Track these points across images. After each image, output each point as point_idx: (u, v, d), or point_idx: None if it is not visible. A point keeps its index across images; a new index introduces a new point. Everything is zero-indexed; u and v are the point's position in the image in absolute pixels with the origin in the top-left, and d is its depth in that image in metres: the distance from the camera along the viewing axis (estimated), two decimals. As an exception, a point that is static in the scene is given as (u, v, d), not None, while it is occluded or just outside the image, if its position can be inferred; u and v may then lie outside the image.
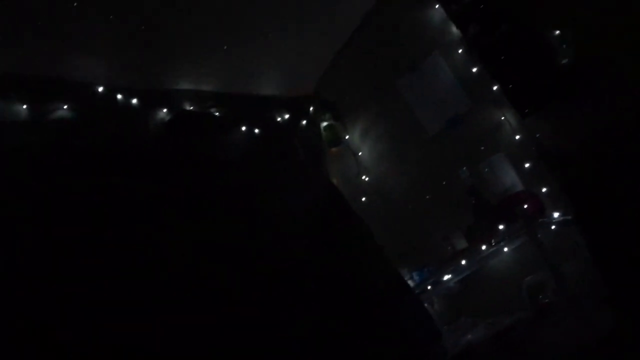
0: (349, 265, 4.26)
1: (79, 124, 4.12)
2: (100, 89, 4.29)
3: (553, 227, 4.24)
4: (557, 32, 4.00)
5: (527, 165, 4.42)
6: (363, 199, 5.42)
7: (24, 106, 4.01)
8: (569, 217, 4.11)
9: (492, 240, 4.35)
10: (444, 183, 4.90)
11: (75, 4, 3.62)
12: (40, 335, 2.84)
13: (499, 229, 4.34)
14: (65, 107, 4.14)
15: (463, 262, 4.41)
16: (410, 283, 4.65)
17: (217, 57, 4.62)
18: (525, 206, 4.19)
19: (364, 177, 5.51)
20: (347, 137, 5.65)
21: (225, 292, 3.54)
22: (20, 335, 2.82)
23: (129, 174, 4.00)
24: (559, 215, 4.21)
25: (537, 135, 4.23)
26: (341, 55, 5.37)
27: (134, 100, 4.45)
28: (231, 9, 4.19)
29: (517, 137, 4.44)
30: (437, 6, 4.75)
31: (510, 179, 4.46)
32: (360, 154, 5.59)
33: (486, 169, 4.50)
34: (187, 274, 3.50)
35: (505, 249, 4.44)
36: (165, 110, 4.64)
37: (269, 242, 4.11)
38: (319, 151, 5.59)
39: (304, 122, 5.53)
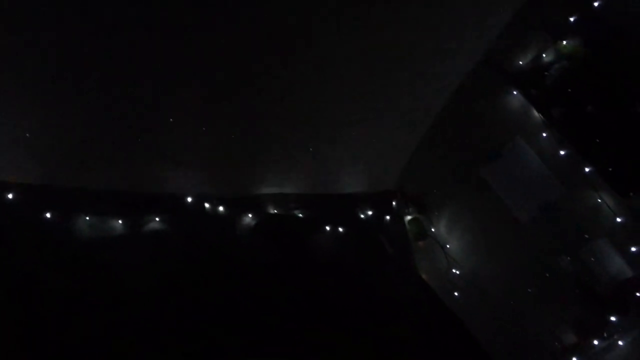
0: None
1: (170, 234, 4.26)
2: (189, 199, 4.43)
3: (674, 315, 3.87)
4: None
5: (633, 248, 4.11)
6: (456, 294, 5.16)
7: (119, 221, 4.20)
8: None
9: (605, 334, 4.01)
10: (544, 273, 4.60)
11: (170, 120, 3.85)
12: None
13: (610, 320, 4.01)
14: (157, 219, 4.31)
15: (574, 359, 4.07)
16: (518, 385, 4.31)
17: (299, 159, 4.71)
18: (639, 294, 3.87)
19: (455, 271, 5.28)
20: (432, 229, 5.51)
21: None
22: None
23: (218, 280, 4.05)
24: (680, 303, 3.85)
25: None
26: (421, 148, 5.33)
27: (221, 208, 4.56)
28: (311, 111, 4.31)
29: (619, 219, 4.16)
30: (515, 92, 4.70)
31: (616, 264, 4.16)
32: (448, 246, 5.40)
33: (591, 258, 4.21)
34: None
35: (621, 343, 4.08)
36: (250, 215, 4.71)
37: (363, 340, 3.97)
38: (406, 246, 5.45)
39: (388, 217, 5.45)
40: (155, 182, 4.27)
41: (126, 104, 3.70)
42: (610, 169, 4.00)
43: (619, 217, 4.17)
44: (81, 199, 4.11)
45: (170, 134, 4.04)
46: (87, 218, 4.10)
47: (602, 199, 4.24)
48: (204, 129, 4.08)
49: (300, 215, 4.93)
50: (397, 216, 5.53)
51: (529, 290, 4.71)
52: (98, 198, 4.16)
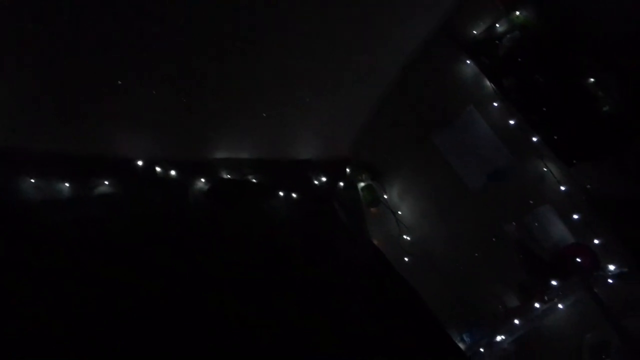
0: (396, 328, 4.12)
1: (119, 198, 4.16)
2: (140, 162, 4.33)
3: (610, 280, 4.04)
4: (592, 80, 3.97)
5: (575, 216, 4.27)
6: (406, 259, 5.28)
7: (65, 184, 4.07)
8: (626, 270, 3.94)
9: (546, 297, 4.16)
10: (490, 239, 4.72)
11: (119, 82, 3.73)
12: None
13: (551, 284, 4.16)
14: (106, 182, 4.20)
15: (516, 321, 4.22)
16: (461, 345, 4.46)
17: (253, 124, 4.67)
18: (579, 259, 4.02)
19: (405, 237, 5.38)
20: (385, 196, 5.58)
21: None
22: None
23: (170, 245, 4.01)
24: (615, 268, 4.03)
25: (588, 186, 4.09)
26: (375, 115, 5.36)
27: (173, 172, 4.48)
28: (265, 76, 4.26)
29: (563, 187, 4.30)
30: (468, 61, 4.75)
31: (559, 231, 4.30)
32: (400, 213, 5.49)
33: (535, 224, 4.35)
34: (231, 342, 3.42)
35: (560, 306, 4.25)
36: (203, 179, 4.65)
37: (315, 305, 4.02)
38: (359, 212, 5.51)
39: (342, 184, 5.49)
40: (104, 144, 4.14)
41: (74, 64, 3.56)
42: (556, 138, 4.10)
43: (562, 185, 4.30)
44: (26, 161, 3.96)
45: (120, 96, 3.92)
46: (32, 181, 3.97)
47: (548, 168, 4.36)
48: (154, 92, 3.97)
49: (254, 180, 4.91)
50: (351, 182, 5.58)
51: (476, 254, 4.85)
52: (44, 160, 4.00)
